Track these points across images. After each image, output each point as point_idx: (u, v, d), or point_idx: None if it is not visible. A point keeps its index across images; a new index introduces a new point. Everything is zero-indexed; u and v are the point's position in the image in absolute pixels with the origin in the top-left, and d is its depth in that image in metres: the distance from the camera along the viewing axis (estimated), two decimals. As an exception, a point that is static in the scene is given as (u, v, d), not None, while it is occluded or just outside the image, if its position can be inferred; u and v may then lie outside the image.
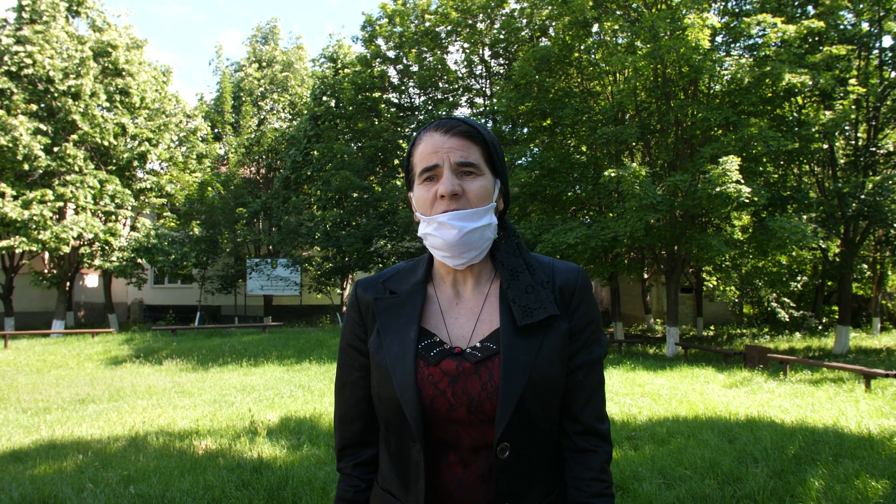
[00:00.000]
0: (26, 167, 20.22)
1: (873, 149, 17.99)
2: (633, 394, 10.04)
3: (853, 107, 16.58)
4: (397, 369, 1.37)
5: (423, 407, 1.35)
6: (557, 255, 15.87)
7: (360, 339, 1.50)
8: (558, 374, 1.40)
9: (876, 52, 17.86)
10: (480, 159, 1.41)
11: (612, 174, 15.38)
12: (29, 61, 20.24)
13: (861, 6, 16.90)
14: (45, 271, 23.00)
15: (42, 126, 20.84)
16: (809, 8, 17.50)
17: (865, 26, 17.33)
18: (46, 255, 22.64)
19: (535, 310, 1.38)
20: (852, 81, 16.41)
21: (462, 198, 1.38)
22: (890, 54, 17.69)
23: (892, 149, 18.17)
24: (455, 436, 1.37)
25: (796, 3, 17.70)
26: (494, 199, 1.44)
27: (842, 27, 16.96)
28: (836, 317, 20.35)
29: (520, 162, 19.58)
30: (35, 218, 19.86)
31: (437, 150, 1.39)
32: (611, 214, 17.78)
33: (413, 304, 1.46)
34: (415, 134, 1.47)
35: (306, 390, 10.94)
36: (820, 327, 24.26)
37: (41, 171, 21.00)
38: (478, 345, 1.40)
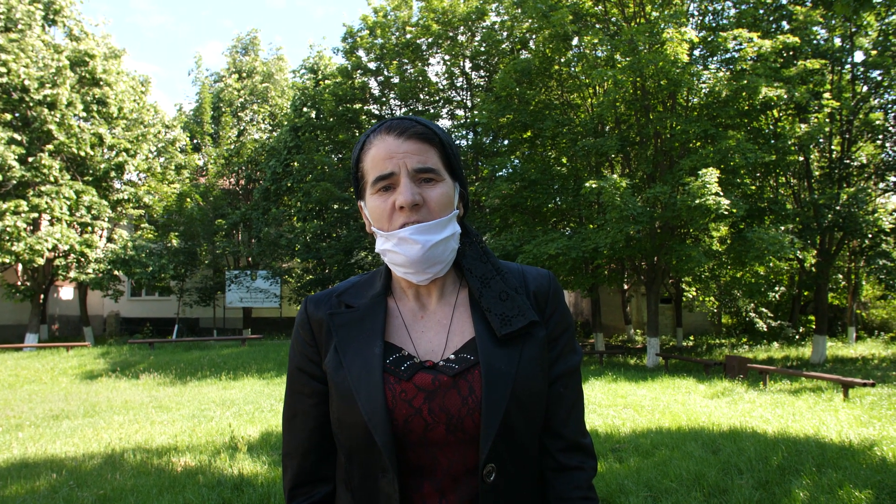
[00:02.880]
0: (0, 178, 19.88)
1: (847, 161, 18.32)
2: (616, 405, 10.05)
3: (827, 120, 16.88)
4: (362, 389, 1.22)
5: (396, 429, 1.21)
6: (538, 266, 15.90)
7: (313, 361, 1.34)
8: (541, 385, 1.28)
9: (848, 66, 18.23)
10: (439, 163, 1.29)
11: (594, 185, 15.49)
12: (3, 70, 19.93)
13: (833, 22, 17.25)
14: (19, 283, 22.59)
15: (16, 136, 20.51)
16: (784, 23, 17.81)
17: (838, 42, 17.69)
18: (20, 266, 22.23)
19: (514, 317, 1.27)
20: (826, 95, 16.73)
21: (423, 207, 1.25)
22: (862, 69, 18.04)
23: (865, 161, 18.53)
24: (431, 461, 1.23)
25: (771, 19, 18.01)
26: (456, 205, 1.33)
27: (815, 42, 17.28)
28: (813, 326, 20.60)
29: (501, 173, 19.66)
30: (8, 229, 19.51)
31: (391, 156, 1.26)
32: (591, 226, 17.89)
33: (374, 317, 1.32)
34: (361, 136, 1.35)
35: (287, 404, 10.79)
36: (797, 337, 24.55)
37: (15, 182, 20.65)
38: (452, 357, 1.27)
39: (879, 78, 17.88)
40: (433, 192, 1.27)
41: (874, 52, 17.11)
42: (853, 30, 17.24)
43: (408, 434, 1.21)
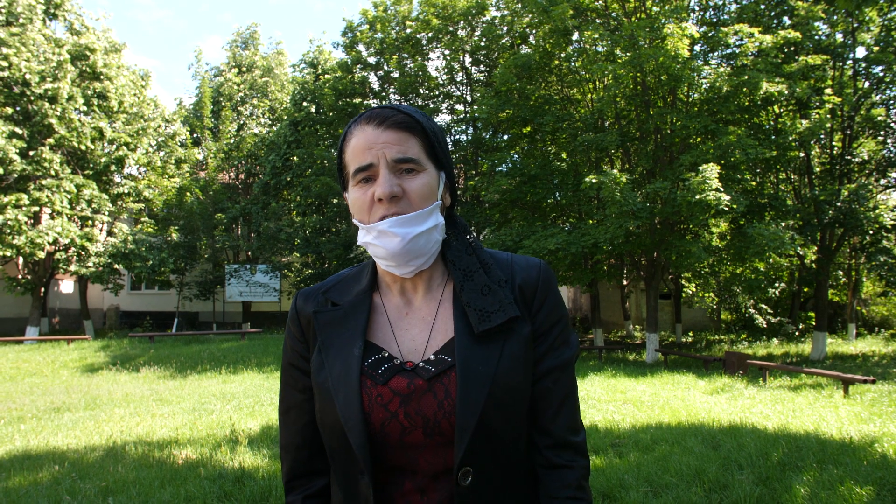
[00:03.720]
0: (1, 171, 19.86)
1: (848, 157, 18.30)
2: (616, 400, 10.06)
3: (828, 116, 16.85)
4: (340, 391, 1.22)
5: (374, 432, 1.20)
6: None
7: (303, 356, 1.34)
8: (522, 383, 1.24)
9: (850, 62, 18.19)
10: (421, 152, 1.26)
11: (594, 180, 15.48)
12: (5, 64, 19.88)
13: (835, 17, 17.21)
14: (20, 277, 22.59)
15: (17, 129, 20.47)
16: (785, 18, 17.78)
17: (840, 37, 17.65)
18: (21, 260, 22.23)
19: (493, 313, 1.23)
20: (828, 91, 16.70)
21: (402, 199, 1.22)
22: (863, 65, 18.01)
23: (866, 157, 18.51)
24: (410, 462, 1.22)
25: (772, 14, 17.98)
26: (439, 195, 1.29)
27: (817, 38, 17.26)
28: (813, 323, 20.62)
29: (500, 168, 19.64)
30: (9, 222, 19.51)
31: (370, 147, 1.23)
32: (591, 221, 17.88)
33: (357, 316, 1.30)
34: (345, 127, 1.35)
35: (287, 398, 10.79)
36: (797, 333, 24.57)
37: (16, 176, 20.63)
38: (432, 358, 1.24)
39: (881, 74, 17.88)
40: (413, 184, 1.24)
41: (876, 48, 17.10)
42: (855, 25, 17.21)
43: (385, 437, 1.20)
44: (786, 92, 15.41)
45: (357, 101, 24.59)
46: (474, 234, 1.38)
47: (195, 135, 29.49)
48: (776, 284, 21.93)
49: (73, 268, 22.67)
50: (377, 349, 1.27)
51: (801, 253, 17.38)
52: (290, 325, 1.38)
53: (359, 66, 24.28)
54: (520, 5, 20.20)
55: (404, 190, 1.23)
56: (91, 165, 23.11)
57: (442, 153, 1.32)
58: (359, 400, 1.20)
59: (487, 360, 1.21)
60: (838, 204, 16.81)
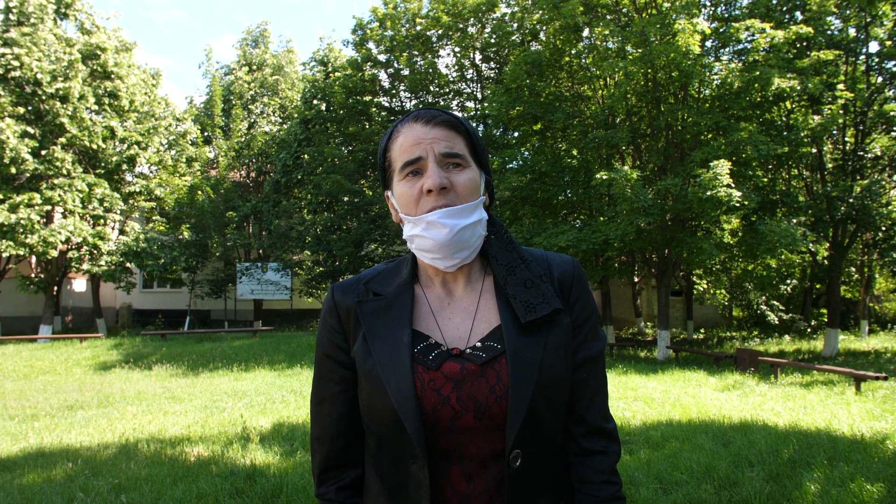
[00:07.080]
0: (13, 170, 20.04)
1: (861, 153, 18.13)
2: (626, 397, 10.04)
3: (841, 111, 16.70)
4: (392, 377, 1.24)
5: (426, 416, 1.23)
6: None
7: (340, 348, 1.37)
8: (565, 372, 1.31)
9: (863, 57, 18.02)
10: (465, 150, 1.32)
11: (604, 177, 15.44)
12: (16, 63, 20.05)
13: (848, 12, 17.07)
14: (33, 275, 22.77)
15: (29, 129, 20.64)
16: (797, 13, 17.64)
17: (852, 32, 17.49)
18: (33, 259, 22.42)
19: (538, 305, 1.29)
20: (840, 86, 16.56)
21: (450, 192, 1.28)
22: (876, 59, 17.84)
23: (879, 153, 18.32)
24: (459, 447, 1.25)
25: (784, 9, 17.84)
26: (482, 192, 1.35)
27: (829, 32, 17.11)
28: (825, 319, 20.47)
29: (511, 166, 19.61)
30: (22, 222, 19.66)
31: (419, 142, 1.29)
32: (602, 218, 17.83)
33: (401, 305, 1.34)
34: (389, 127, 1.39)
35: (298, 395, 10.88)
36: (808, 330, 24.40)
37: (28, 175, 20.81)
38: (479, 345, 1.29)
39: (895, 69, 17.69)
40: (460, 177, 1.29)
41: (889, 43, 16.93)
42: (868, 20, 17.04)
43: (437, 422, 1.24)
44: (798, 87, 15.29)
45: (367, 98, 24.63)
46: (509, 232, 1.43)
47: (206, 133, 29.59)
48: (788, 281, 21.78)
49: (85, 266, 22.82)
50: (423, 336, 1.31)
51: (813, 249, 17.26)
52: (328, 317, 1.40)
53: (369, 63, 24.29)
54: (530, 2, 20.16)
55: (452, 183, 1.28)
56: (103, 164, 23.27)
57: (482, 154, 1.38)
58: (412, 385, 1.23)
59: (534, 348, 1.27)
60: (851, 200, 16.68)
